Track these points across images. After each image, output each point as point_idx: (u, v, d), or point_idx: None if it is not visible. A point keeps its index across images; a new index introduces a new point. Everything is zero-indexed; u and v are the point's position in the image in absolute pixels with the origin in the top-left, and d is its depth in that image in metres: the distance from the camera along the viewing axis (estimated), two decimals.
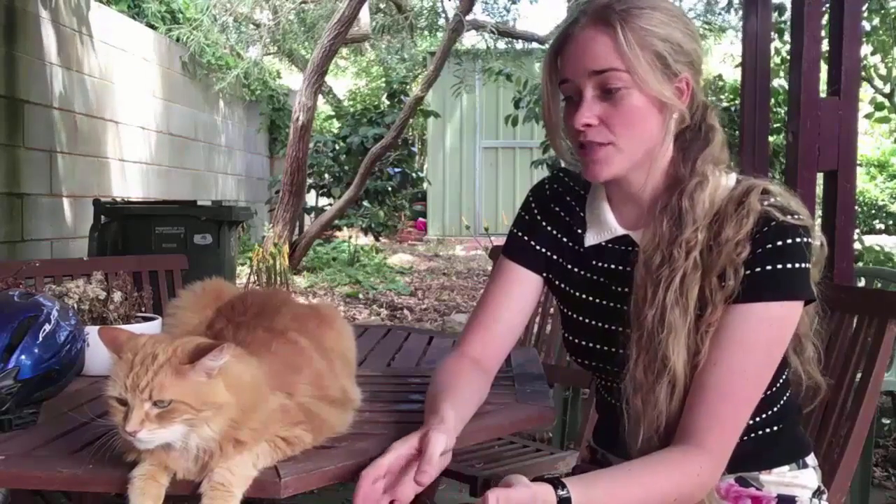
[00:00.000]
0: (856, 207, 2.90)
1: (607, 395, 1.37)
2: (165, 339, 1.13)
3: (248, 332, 1.33)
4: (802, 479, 1.30)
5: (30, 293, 1.49)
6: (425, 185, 15.43)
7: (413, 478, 1.08)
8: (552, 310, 2.49)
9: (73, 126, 6.70)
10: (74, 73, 6.76)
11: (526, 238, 1.41)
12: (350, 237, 11.29)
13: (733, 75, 6.99)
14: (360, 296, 7.99)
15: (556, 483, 1.07)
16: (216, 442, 1.09)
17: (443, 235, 15.00)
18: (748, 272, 1.17)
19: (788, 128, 2.61)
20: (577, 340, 1.36)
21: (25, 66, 6.00)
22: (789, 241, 1.18)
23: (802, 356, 1.30)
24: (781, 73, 5.54)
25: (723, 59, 9.08)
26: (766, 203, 1.19)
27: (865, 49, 5.71)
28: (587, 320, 1.34)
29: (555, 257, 1.39)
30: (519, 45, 11.99)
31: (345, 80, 18.39)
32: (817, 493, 1.31)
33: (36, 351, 1.34)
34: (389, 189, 13.27)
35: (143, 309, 1.84)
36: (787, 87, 3.54)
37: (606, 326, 1.31)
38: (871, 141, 16.39)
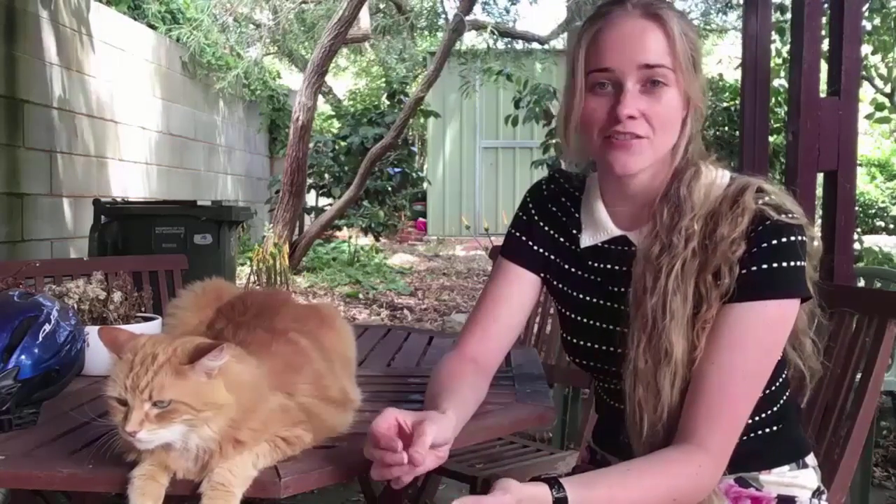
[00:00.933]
0: (856, 207, 2.90)
1: (606, 397, 1.38)
2: (165, 340, 1.13)
3: (248, 333, 1.33)
4: (802, 479, 1.30)
5: (30, 293, 1.49)
6: (425, 185, 15.45)
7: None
8: (552, 310, 2.49)
9: (72, 126, 6.70)
10: (74, 73, 6.76)
11: (524, 238, 1.41)
12: (350, 237, 11.29)
13: (733, 75, 6.99)
14: (360, 296, 7.99)
15: (553, 483, 1.07)
16: (216, 442, 1.09)
17: (443, 235, 15.01)
18: (744, 271, 1.17)
19: (788, 128, 2.61)
20: (575, 341, 1.36)
21: (25, 66, 5.99)
22: (784, 239, 1.18)
23: (801, 352, 1.30)
24: (781, 73, 5.54)
25: (719, 61, 9.07)
26: (760, 201, 1.20)
27: (865, 49, 5.70)
28: (585, 320, 1.34)
29: (552, 257, 1.39)
30: (519, 45, 12.00)
31: (345, 80, 18.39)
32: (817, 494, 1.31)
33: (36, 351, 1.34)
34: (389, 189, 13.28)
35: (143, 309, 1.84)
36: (787, 87, 3.54)
37: (605, 326, 1.31)
38: (871, 141, 16.39)
